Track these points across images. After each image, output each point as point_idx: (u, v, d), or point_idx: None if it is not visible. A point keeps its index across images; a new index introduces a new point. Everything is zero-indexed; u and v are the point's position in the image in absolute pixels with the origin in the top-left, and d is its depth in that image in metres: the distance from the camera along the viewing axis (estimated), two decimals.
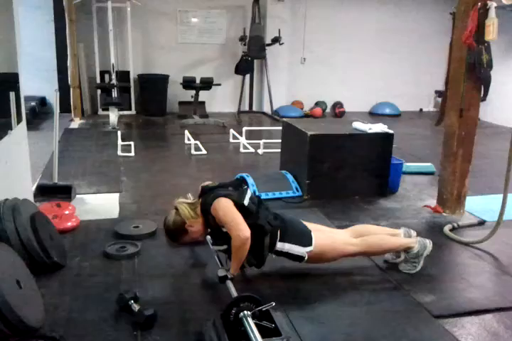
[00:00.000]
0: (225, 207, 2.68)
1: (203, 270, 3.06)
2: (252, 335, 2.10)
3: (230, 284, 2.55)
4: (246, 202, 2.74)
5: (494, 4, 3.71)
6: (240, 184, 2.97)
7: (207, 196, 2.82)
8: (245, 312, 2.23)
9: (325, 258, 2.94)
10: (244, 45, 8.49)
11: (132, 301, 2.50)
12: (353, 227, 3.24)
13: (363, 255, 3.10)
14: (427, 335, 2.48)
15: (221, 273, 2.65)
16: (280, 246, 2.81)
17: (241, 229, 2.60)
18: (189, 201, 2.93)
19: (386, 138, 4.50)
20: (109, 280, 2.88)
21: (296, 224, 2.96)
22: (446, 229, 3.77)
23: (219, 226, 2.73)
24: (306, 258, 2.85)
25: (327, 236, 2.97)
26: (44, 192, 4.16)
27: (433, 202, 4.30)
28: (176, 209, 2.88)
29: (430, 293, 2.87)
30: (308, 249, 2.84)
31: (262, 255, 2.78)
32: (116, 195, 4.40)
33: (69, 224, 3.57)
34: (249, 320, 2.20)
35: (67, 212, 3.74)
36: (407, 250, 3.09)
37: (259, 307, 2.24)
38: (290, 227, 2.89)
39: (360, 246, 2.97)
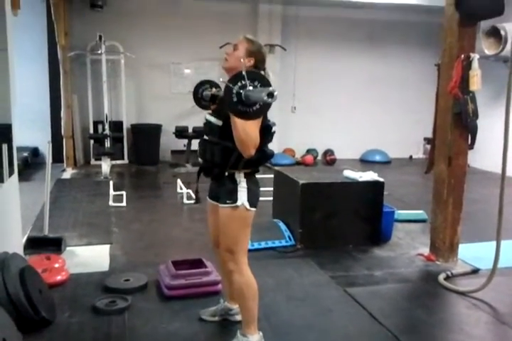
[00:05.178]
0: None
1: (195, 324, 2.99)
2: None
3: None
4: None
5: (477, 56, 3.85)
6: None
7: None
8: None
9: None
10: None
11: None
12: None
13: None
14: None
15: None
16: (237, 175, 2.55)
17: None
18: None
19: (377, 187, 4.53)
20: (99, 337, 2.81)
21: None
22: (441, 278, 3.74)
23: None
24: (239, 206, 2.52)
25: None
26: (34, 244, 4.09)
27: (426, 250, 4.28)
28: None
29: None
30: (250, 207, 2.55)
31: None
32: (107, 247, 4.34)
33: (58, 277, 3.50)
34: None
35: (56, 265, 3.68)
36: (246, 331, 2.66)
37: None
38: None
39: (241, 277, 2.61)
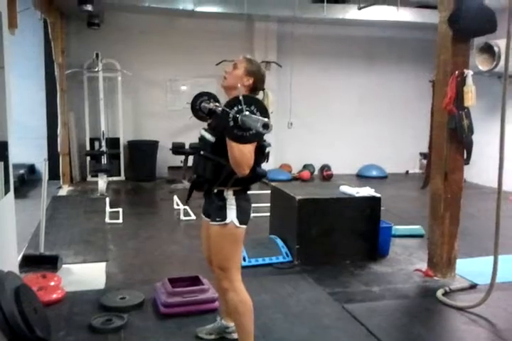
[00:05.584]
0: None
1: None
2: None
3: None
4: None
5: (471, 72, 3.88)
6: None
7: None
8: None
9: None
10: None
11: None
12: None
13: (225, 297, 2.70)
14: None
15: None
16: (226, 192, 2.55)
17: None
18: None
19: (374, 202, 4.52)
20: None
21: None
22: (439, 293, 3.72)
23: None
24: (227, 223, 2.51)
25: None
26: (30, 262, 4.07)
27: (424, 266, 4.26)
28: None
29: None
30: (240, 225, 2.53)
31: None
32: (103, 264, 4.31)
33: (54, 296, 3.47)
34: None
35: (52, 284, 3.66)
36: None
37: None
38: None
39: (236, 295, 2.57)
